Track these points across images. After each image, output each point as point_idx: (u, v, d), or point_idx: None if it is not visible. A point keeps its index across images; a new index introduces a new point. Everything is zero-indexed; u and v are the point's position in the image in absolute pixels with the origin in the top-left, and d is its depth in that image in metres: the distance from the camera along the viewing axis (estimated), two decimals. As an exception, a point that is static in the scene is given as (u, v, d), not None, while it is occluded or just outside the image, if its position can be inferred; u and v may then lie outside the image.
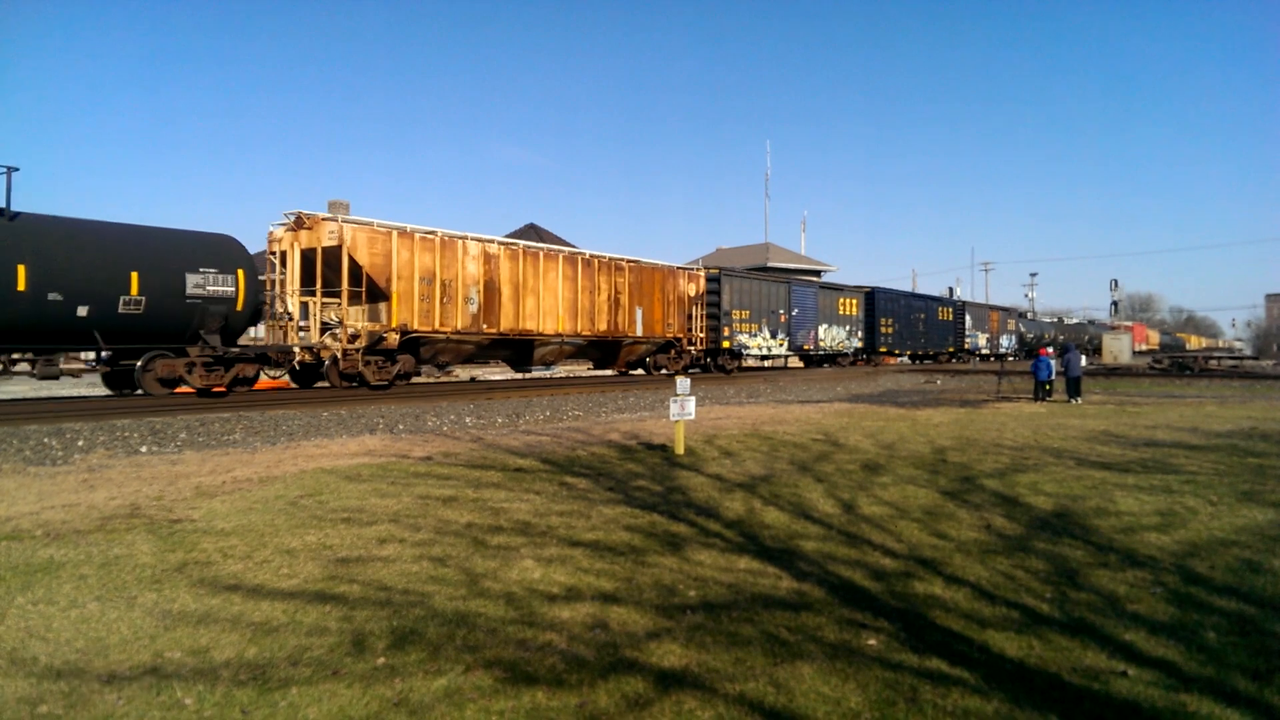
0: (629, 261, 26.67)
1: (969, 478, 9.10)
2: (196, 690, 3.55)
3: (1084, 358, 26.51)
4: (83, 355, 17.00)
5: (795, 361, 42.25)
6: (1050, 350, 23.94)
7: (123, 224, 16.39)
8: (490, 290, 21.72)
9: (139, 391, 16.47)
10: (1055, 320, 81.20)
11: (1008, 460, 10.45)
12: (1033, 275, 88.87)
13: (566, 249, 25.12)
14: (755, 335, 32.65)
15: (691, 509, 7.35)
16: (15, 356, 14.85)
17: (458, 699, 3.50)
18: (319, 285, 18.83)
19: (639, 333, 26.77)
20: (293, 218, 19.18)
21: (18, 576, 5.12)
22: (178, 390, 16.87)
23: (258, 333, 23.18)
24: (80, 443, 10.93)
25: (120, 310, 15.27)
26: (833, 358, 39.76)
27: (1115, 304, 76.86)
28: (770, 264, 61.32)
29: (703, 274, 30.42)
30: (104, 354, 16.32)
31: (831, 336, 38.45)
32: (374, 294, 19.29)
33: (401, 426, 13.79)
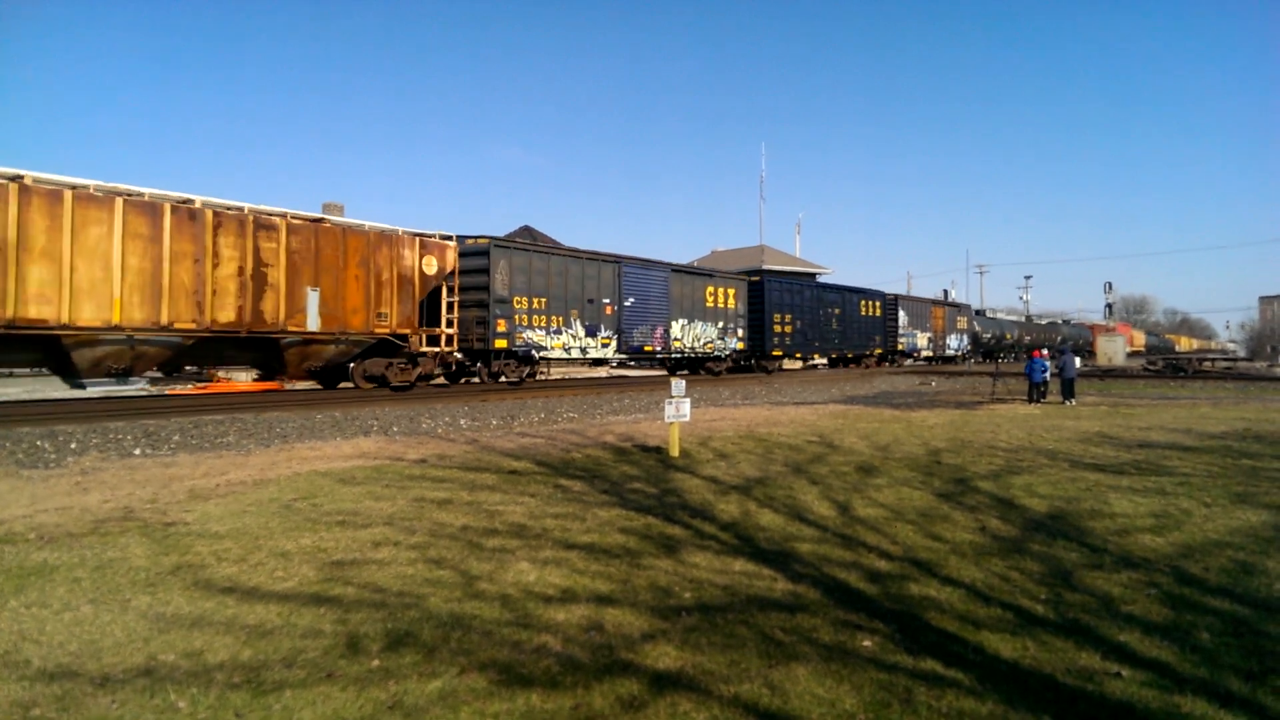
0: (294, 219, 17.56)
1: (964, 479, 9.12)
2: (190, 693, 3.54)
3: (1078, 359, 26.57)
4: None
5: (655, 369, 36.40)
6: (1045, 352, 24.00)
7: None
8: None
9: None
10: (1022, 319, 76.28)
11: (1002, 462, 10.47)
12: (1027, 278, 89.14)
13: (142, 191, 15.35)
14: (558, 332, 23.87)
15: (686, 511, 7.35)
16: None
17: (452, 701, 3.49)
18: None
19: (312, 326, 17.66)
20: None
21: (11, 580, 5.10)
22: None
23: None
24: (73, 445, 10.89)
25: None
26: (698, 361, 31.41)
27: (1109, 306, 76.62)
28: (765, 266, 61.42)
29: (452, 246, 20.85)
30: None
31: (694, 335, 29.65)
32: None
33: (396, 429, 13.76)
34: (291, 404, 16.99)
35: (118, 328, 14.61)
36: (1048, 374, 21.98)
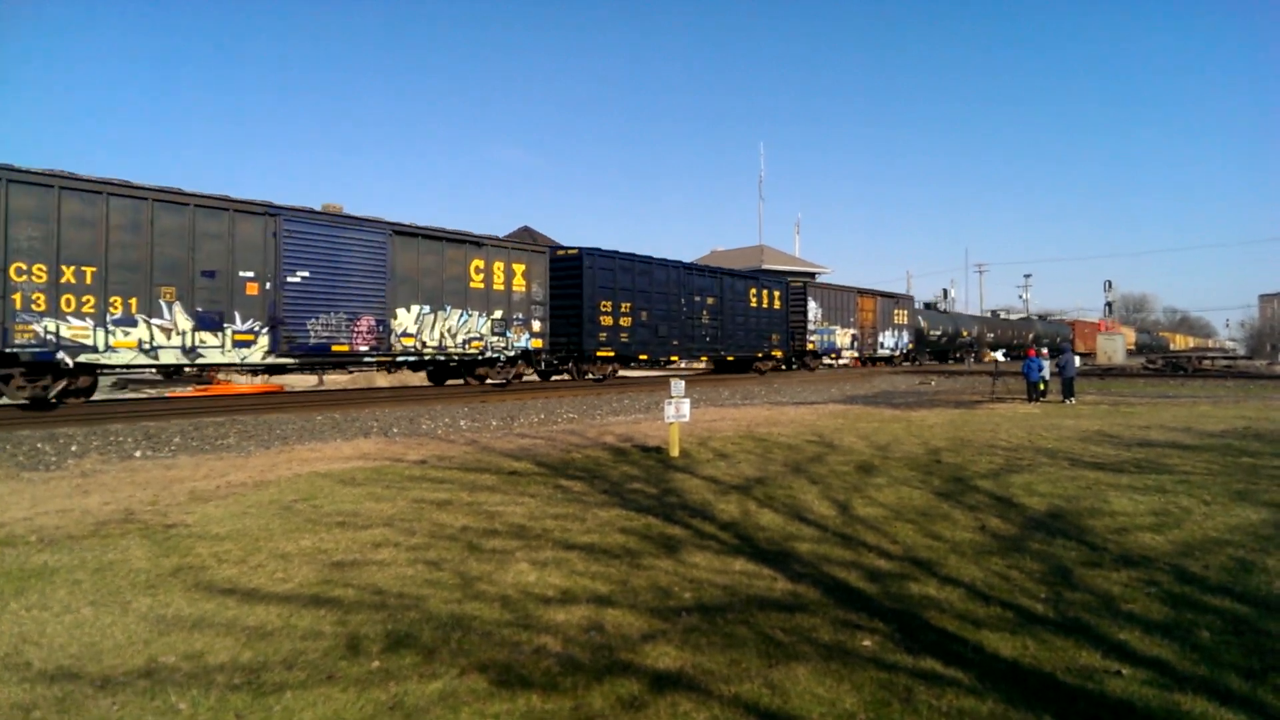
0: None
1: (963, 478, 9.12)
2: (191, 695, 3.54)
3: (1078, 359, 26.56)
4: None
5: (315, 378, 27.91)
6: (1045, 351, 24.00)
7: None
8: None
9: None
10: (988, 315, 69.46)
11: (1002, 461, 10.47)
12: (1027, 276, 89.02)
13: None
14: (124, 323, 14.55)
15: (686, 511, 7.36)
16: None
17: (453, 702, 3.49)
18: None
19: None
20: None
21: (11, 582, 5.10)
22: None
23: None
24: (74, 447, 10.89)
25: None
26: (455, 367, 21.93)
27: (1109, 304, 75.61)
28: (765, 266, 61.44)
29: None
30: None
31: (444, 329, 20.33)
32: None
33: (396, 429, 13.76)
34: (291, 406, 16.99)
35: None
36: (1045, 373, 21.97)
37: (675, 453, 10.64)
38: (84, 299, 14.17)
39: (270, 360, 17.01)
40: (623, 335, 25.80)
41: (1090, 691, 3.69)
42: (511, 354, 22.31)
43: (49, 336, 13.73)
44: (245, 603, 4.73)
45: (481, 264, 21.34)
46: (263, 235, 16.67)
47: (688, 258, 37.24)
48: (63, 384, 14.51)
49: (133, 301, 14.78)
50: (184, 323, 15.51)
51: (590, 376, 25.53)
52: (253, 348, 16.60)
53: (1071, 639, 4.31)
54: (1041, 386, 21.85)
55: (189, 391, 24.13)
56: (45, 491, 8.12)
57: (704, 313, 29.70)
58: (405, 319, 19.47)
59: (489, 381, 22.44)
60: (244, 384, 26.41)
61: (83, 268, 14.10)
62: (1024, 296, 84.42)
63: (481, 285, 21.30)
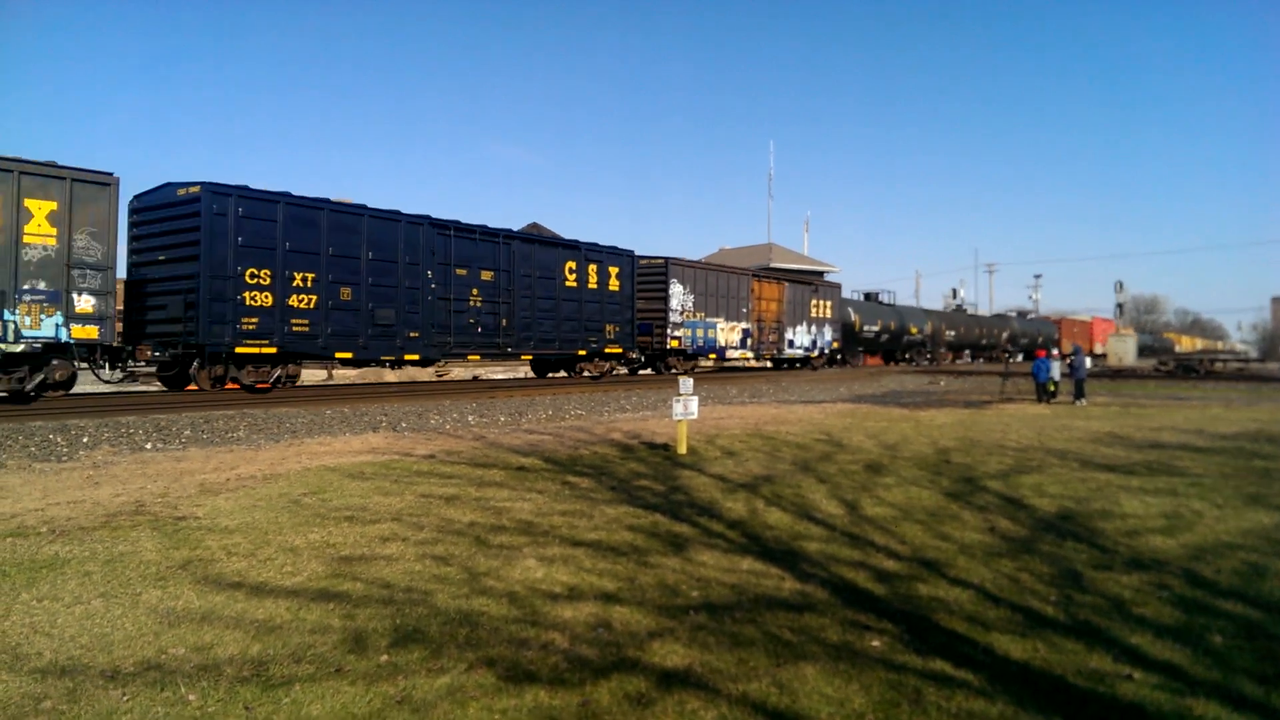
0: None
1: (973, 479, 9.08)
2: (200, 687, 3.55)
3: (1089, 360, 26.41)
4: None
5: None
6: (1056, 351, 23.86)
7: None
8: None
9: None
10: (951, 310, 58.54)
11: (1011, 462, 10.42)
12: (1037, 277, 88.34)
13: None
14: None
15: (694, 509, 7.35)
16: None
17: (460, 697, 3.49)
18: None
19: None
20: None
21: (23, 573, 5.13)
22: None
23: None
24: (85, 439, 10.96)
25: None
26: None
27: (1120, 305, 72.74)
28: (773, 265, 61.32)
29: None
30: None
31: None
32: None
33: (405, 424, 13.80)
34: (301, 400, 17.04)
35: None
36: (1055, 374, 21.86)
37: (683, 450, 10.63)
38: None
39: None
40: (294, 322, 17.36)
41: (1101, 695, 3.66)
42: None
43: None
44: (254, 596, 4.75)
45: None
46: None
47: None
48: None
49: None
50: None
51: (216, 379, 16.97)
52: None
53: (1082, 642, 4.28)
54: (1051, 387, 21.75)
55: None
56: (57, 483, 8.17)
57: (473, 292, 20.93)
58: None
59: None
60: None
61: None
62: (1034, 297, 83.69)
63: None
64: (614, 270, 25.66)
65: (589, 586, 5.07)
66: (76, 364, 15.06)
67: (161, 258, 16.79)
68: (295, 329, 17.47)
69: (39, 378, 14.46)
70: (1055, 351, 24.02)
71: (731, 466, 9.69)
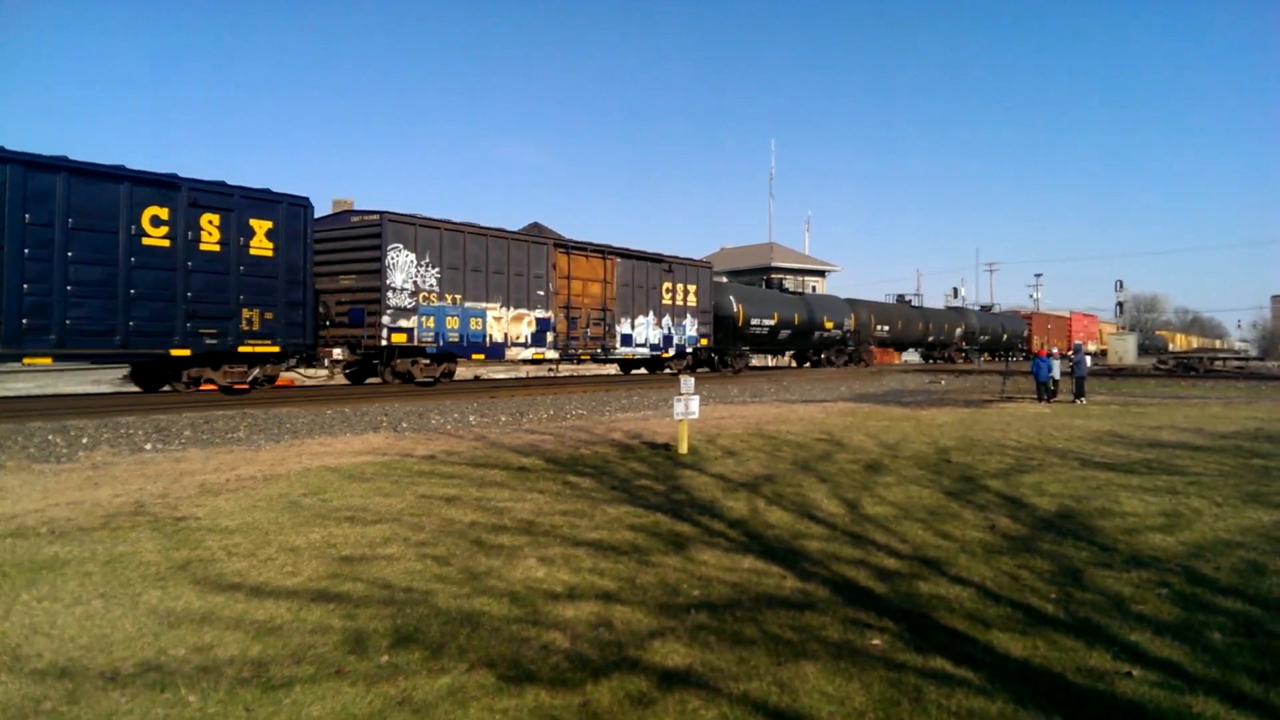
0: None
1: (973, 478, 9.08)
2: (200, 688, 3.55)
3: (1089, 359, 26.39)
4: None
5: None
6: (1056, 351, 23.87)
7: None
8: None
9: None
10: (890, 301, 47.58)
11: (1011, 460, 10.43)
12: (1038, 276, 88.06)
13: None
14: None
15: (695, 508, 7.35)
16: None
17: (461, 697, 3.50)
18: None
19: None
20: None
21: (23, 573, 5.13)
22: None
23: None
24: (85, 440, 10.95)
25: None
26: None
27: (1120, 304, 71.97)
28: (774, 264, 61.34)
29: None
30: None
31: None
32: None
33: (405, 424, 13.80)
34: (301, 400, 17.03)
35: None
36: (1055, 373, 21.87)
37: (684, 450, 10.63)
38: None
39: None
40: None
41: (1101, 692, 3.66)
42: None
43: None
44: (254, 596, 4.75)
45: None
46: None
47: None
48: None
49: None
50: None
51: None
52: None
53: (1082, 640, 4.28)
54: (1051, 386, 21.76)
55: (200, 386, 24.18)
56: (56, 483, 8.17)
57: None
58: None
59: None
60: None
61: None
62: (1035, 296, 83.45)
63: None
64: (260, 225, 16.42)
65: (590, 586, 5.07)
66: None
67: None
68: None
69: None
70: (1055, 351, 24.02)
71: (732, 466, 9.69)
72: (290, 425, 13.06)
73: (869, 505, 7.57)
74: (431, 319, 19.85)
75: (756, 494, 8.02)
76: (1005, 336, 54.45)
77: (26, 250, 13.23)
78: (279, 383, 18.81)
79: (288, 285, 17.04)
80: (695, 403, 11.03)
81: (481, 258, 21.13)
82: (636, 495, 7.87)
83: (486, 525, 6.55)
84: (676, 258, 28.24)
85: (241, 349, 16.32)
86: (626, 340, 25.80)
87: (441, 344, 20.17)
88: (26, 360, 13.79)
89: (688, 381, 11.29)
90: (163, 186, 15.09)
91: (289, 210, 16.98)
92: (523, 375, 29.81)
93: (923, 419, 15.71)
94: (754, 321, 32.29)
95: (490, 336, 21.27)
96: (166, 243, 15.08)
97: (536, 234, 25.77)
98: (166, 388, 16.94)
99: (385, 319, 18.75)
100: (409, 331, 19.34)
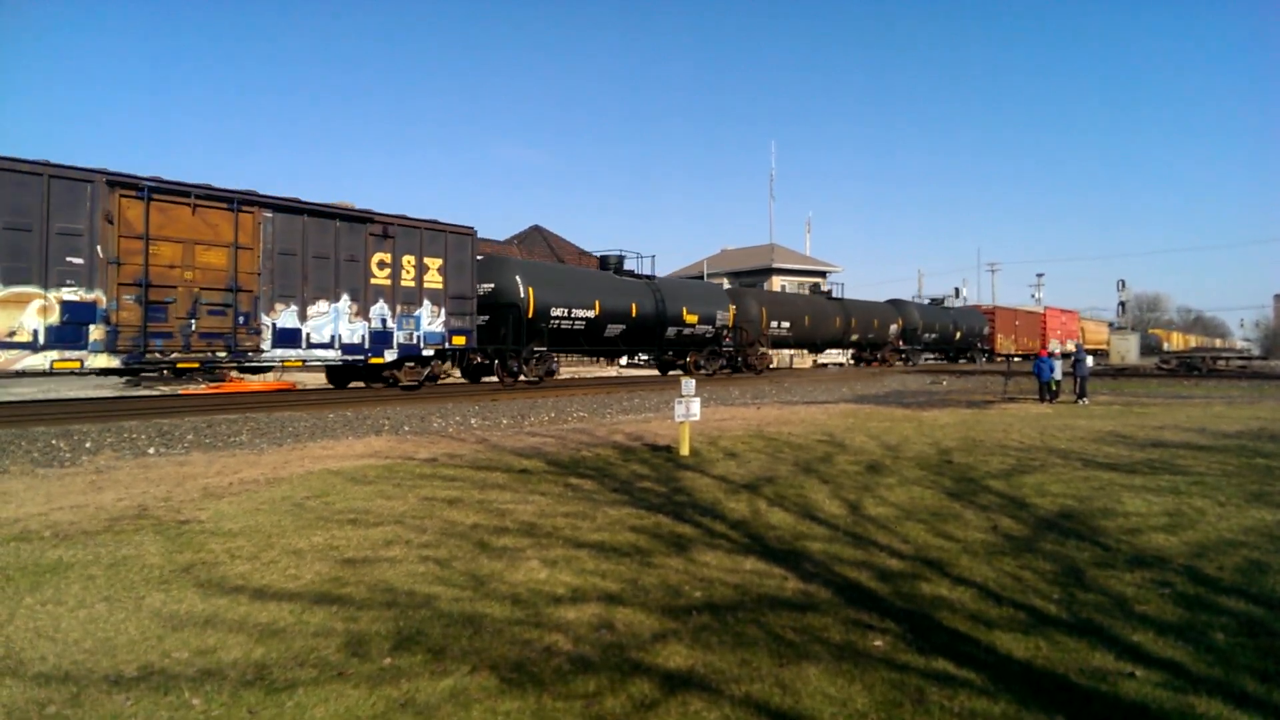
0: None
1: (975, 479, 9.08)
2: (204, 691, 3.56)
3: (1091, 359, 26.36)
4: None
5: None
6: (1058, 351, 23.85)
7: None
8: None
9: None
10: (804, 289, 43.37)
11: (1014, 461, 10.42)
12: (1039, 275, 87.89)
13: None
14: None
15: (696, 510, 7.35)
16: None
17: (464, 700, 3.50)
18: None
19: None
20: None
21: (26, 577, 5.15)
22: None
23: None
24: (88, 444, 10.97)
25: None
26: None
27: (1123, 304, 71.00)
28: (775, 265, 61.33)
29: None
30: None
31: None
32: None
33: (407, 428, 13.81)
34: (303, 403, 17.06)
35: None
36: (1057, 373, 21.87)
37: (685, 451, 10.63)
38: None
39: None
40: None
41: (1104, 693, 3.66)
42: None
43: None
44: (257, 599, 4.75)
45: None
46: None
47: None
48: None
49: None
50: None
51: None
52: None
53: (1084, 640, 4.28)
54: (1054, 387, 21.74)
55: (202, 389, 24.27)
56: (60, 488, 8.19)
57: None
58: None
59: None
60: (256, 382, 26.54)
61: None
62: (1037, 295, 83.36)
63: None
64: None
65: (592, 588, 5.08)
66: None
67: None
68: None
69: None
70: (1057, 351, 24.02)
71: (734, 467, 9.69)
72: (293, 429, 13.07)
73: (871, 506, 7.56)
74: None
75: (758, 495, 8.02)
76: (959, 335, 46.65)
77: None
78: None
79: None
80: (696, 405, 11.03)
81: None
82: (638, 497, 7.88)
83: (488, 527, 6.56)
84: (404, 218, 19.39)
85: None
86: (289, 338, 17.06)
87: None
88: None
89: (689, 384, 11.29)
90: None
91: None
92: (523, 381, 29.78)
93: (924, 420, 15.70)
94: (557, 312, 23.28)
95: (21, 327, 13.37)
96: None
97: (539, 239, 24.49)
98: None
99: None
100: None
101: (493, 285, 22.31)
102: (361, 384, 21.03)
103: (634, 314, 25.81)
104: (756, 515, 7.19)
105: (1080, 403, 20.83)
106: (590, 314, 24.32)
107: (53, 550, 5.76)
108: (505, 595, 4.89)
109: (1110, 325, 79.99)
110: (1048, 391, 21.58)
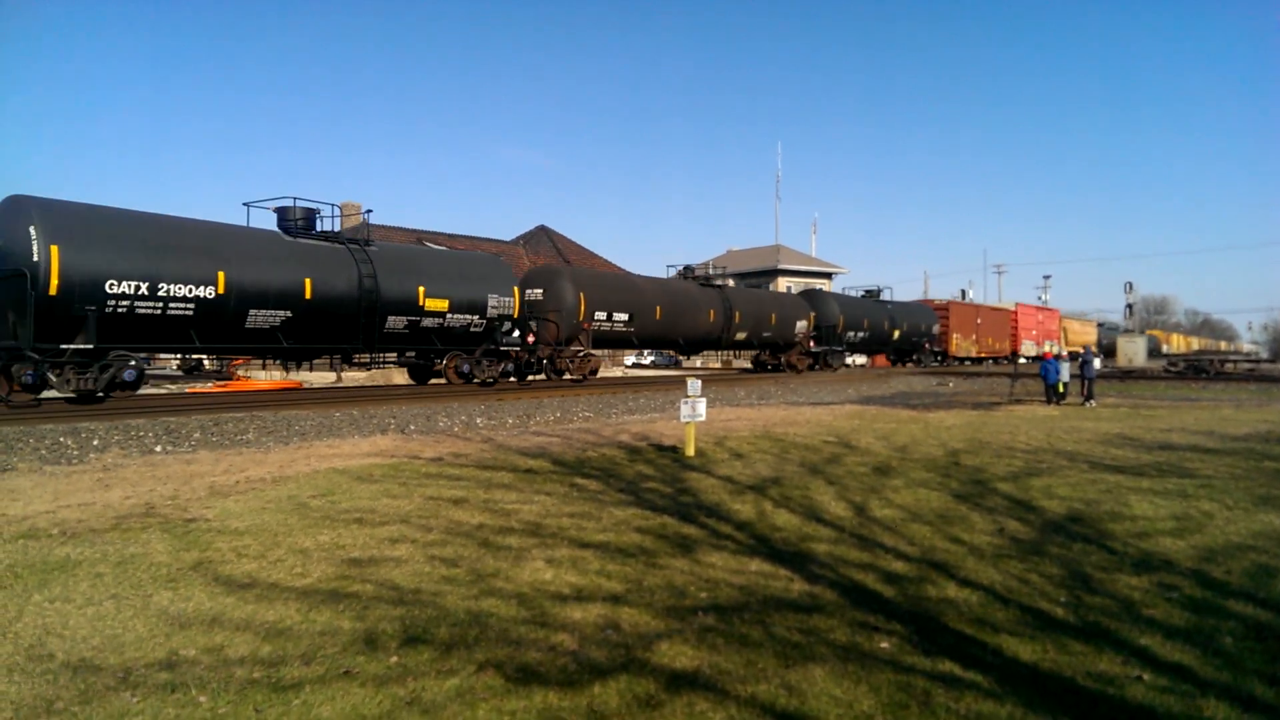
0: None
1: (982, 481, 9.05)
2: (211, 688, 3.57)
3: (1098, 360, 26.25)
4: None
5: None
6: (1064, 353, 23.78)
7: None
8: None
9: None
10: (722, 276, 34.89)
11: (1021, 463, 10.39)
12: (1046, 277, 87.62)
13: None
14: None
15: (702, 511, 7.35)
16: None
17: (469, 698, 3.50)
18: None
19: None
20: None
21: (35, 574, 5.17)
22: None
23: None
24: (95, 442, 11.02)
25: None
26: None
27: (1130, 306, 70.90)
28: (780, 266, 61.27)
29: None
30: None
31: None
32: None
33: (413, 427, 13.83)
34: (310, 402, 17.11)
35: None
36: (1064, 375, 21.79)
37: (691, 452, 10.63)
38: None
39: None
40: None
41: (1111, 697, 3.65)
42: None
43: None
44: (264, 597, 4.77)
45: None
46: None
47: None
48: None
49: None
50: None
51: None
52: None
53: (1091, 643, 4.27)
54: (1060, 389, 21.67)
55: (209, 387, 24.36)
56: (67, 485, 8.22)
57: None
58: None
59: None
60: (263, 381, 26.63)
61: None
62: (1044, 297, 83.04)
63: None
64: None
65: (597, 588, 5.08)
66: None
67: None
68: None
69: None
70: (1064, 353, 23.94)
71: (739, 468, 9.69)
72: (299, 428, 13.11)
73: (877, 508, 7.55)
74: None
75: (764, 496, 8.01)
76: (897, 334, 39.73)
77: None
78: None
79: None
80: (703, 405, 11.03)
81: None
82: (644, 497, 7.88)
83: (494, 527, 6.57)
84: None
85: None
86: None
87: None
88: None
89: (694, 384, 11.29)
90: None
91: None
92: (527, 381, 29.83)
93: (931, 421, 15.67)
94: (256, 303, 16.93)
95: None
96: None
97: (544, 239, 26.23)
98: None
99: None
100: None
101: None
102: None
103: (307, 296, 17.73)
104: (762, 516, 7.18)
105: (1087, 405, 20.76)
106: (203, 294, 16.18)
107: (60, 548, 5.78)
108: (511, 595, 4.90)
109: (1099, 325, 77.16)
110: (1054, 393, 21.51)
